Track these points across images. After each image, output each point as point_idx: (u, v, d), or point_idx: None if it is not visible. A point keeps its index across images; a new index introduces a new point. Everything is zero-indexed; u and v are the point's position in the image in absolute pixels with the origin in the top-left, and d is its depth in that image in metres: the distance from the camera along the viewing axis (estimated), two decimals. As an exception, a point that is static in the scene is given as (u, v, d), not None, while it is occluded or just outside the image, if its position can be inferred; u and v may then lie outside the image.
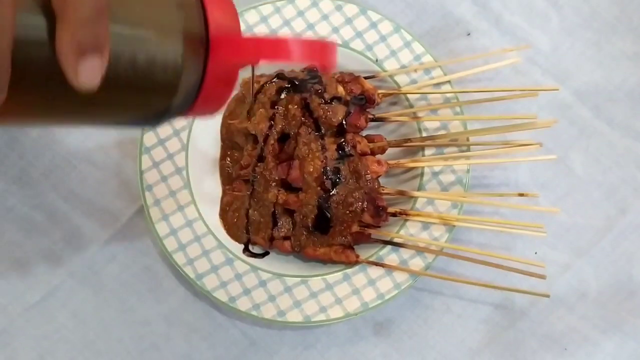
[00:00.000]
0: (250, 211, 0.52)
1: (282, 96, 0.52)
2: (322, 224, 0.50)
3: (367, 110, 0.53)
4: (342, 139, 0.51)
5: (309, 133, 0.51)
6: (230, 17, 0.30)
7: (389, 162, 0.52)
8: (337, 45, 0.29)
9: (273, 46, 0.28)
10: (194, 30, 0.28)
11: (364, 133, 0.53)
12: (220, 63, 0.29)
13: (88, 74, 0.23)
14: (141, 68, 0.27)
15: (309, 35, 0.55)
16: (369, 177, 0.50)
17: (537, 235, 0.51)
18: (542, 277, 0.49)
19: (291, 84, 0.52)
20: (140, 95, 0.28)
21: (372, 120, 0.53)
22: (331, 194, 0.50)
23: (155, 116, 0.30)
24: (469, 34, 0.58)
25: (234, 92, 0.55)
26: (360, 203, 0.50)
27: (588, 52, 0.58)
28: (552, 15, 0.59)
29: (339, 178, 0.50)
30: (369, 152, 0.52)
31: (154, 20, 0.27)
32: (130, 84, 0.27)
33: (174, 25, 0.27)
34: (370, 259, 0.51)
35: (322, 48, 0.29)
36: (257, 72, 0.54)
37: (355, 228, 0.51)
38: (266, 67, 0.55)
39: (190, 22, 0.28)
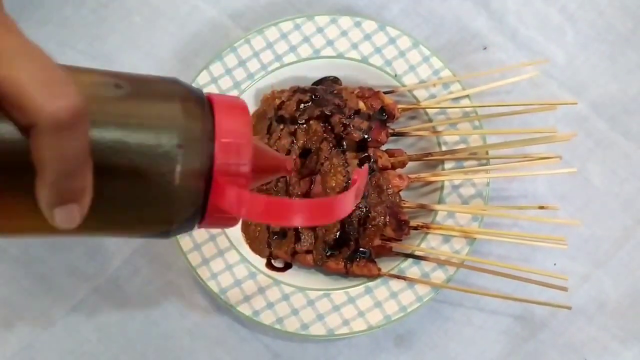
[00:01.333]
0: (271, 225, 0.53)
1: (301, 107, 0.53)
2: (343, 240, 0.51)
3: (387, 124, 0.53)
4: (364, 154, 0.52)
5: (331, 148, 0.52)
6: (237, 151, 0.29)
7: (410, 175, 0.52)
8: (344, 199, 0.29)
9: (277, 207, 0.27)
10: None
11: (384, 147, 0.54)
12: (218, 210, 0.29)
13: (63, 219, 0.25)
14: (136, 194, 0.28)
15: (328, 51, 0.55)
16: (390, 191, 0.51)
17: (558, 247, 0.51)
18: (564, 289, 0.50)
19: (311, 99, 0.53)
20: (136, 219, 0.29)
21: (392, 134, 0.53)
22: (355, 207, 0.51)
23: (159, 233, 0.30)
24: (485, 48, 0.59)
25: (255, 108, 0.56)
26: (382, 217, 0.51)
27: (603, 65, 0.59)
28: (567, 29, 0.60)
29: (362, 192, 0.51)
30: (390, 166, 0.52)
31: (146, 155, 0.27)
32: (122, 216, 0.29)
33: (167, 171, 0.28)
34: (392, 272, 0.52)
35: (327, 209, 0.28)
36: (277, 88, 0.55)
37: (377, 242, 0.51)
38: (284, 83, 0.55)
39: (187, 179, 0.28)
